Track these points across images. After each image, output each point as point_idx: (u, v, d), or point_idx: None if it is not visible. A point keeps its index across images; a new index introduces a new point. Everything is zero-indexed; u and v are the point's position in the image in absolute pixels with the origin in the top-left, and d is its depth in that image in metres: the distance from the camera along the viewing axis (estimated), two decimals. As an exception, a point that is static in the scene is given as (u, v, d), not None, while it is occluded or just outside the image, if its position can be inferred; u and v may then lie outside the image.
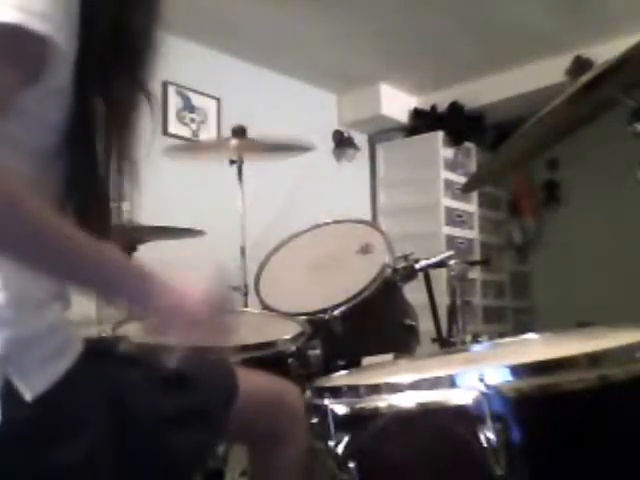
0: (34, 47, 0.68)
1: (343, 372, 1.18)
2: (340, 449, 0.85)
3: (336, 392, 0.89)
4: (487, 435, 0.74)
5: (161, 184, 2.94)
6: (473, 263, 3.87)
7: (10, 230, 0.66)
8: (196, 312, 0.82)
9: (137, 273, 0.79)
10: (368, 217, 4.41)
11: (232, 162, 2.37)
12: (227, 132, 2.35)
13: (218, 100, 3.64)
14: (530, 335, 1.22)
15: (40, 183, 0.78)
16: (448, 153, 4.39)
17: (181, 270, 0.84)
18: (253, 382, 1.00)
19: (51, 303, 0.79)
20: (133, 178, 0.88)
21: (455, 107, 4.34)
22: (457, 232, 4.35)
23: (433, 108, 4.44)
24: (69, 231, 0.72)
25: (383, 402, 0.83)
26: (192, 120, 3.54)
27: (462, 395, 0.77)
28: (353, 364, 1.60)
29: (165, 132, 3.38)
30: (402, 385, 0.83)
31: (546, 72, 3.81)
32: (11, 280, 0.73)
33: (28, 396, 0.71)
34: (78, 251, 0.72)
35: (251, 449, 1.07)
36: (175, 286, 0.82)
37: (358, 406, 0.85)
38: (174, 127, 3.44)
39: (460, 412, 0.78)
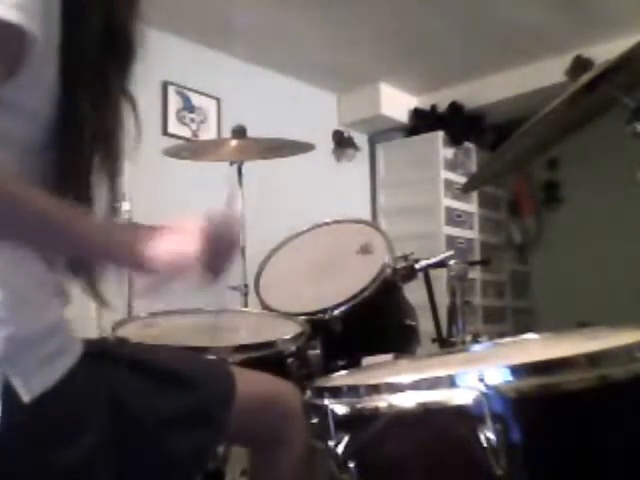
0: (11, 39, 0.67)
1: (343, 372, 1.18)
2: (340, 449, 0.84)
3: (336, 392, 0.89)
4: (487, 435, 0.74)
5: (161, 184, 2.94)
6: (473, 263, 3.88)
7: None
8: (192, 255, 0.78)
9: (124, 230, 0.80)
10: (368, 217, 4.41)
11: (232, 162, 2.37)
12: (227, 132, 2.35)
13: (218, 100, 3.64)
14: (530, 335, 1.22)
15: (26, 175, 0.78)
16: (448, 153, 4.39)
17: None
18: (251, 383, 1.00)
19: (50, 303, 0.78)
20: (116, 175, 0.87)
21: (455, 107, 4.34)
22: (457, 232, 4.35)
23: (433, 108, 4.44)
24: (53, 203, 0.72)
25: (383, 402, 0.83)
26: (192, 120, 3.54)
27: (462, 395, 0.77)
28: (353, 364, 1.59)
29: (165, 132, 3.38)
30: (402, 385, 0.83)
31: (546, 72, 3.81)
32: (9, 280, 0.73)
33: (27, 398, 0.70)
34: (64, 220, 0.72)
35: (251, 450, 1.07)
36: (168, 230, 0.80)
37: (358, 406, 0.85)
38: (174, 127, 3.44)
39: (460, 412, 0.78)
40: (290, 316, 1.62)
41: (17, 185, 0.69)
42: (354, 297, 1.67)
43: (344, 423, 0.85)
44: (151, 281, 0.79)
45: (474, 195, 4.51)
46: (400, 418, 0.83)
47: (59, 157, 0.80)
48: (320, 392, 0.91)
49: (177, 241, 0.79)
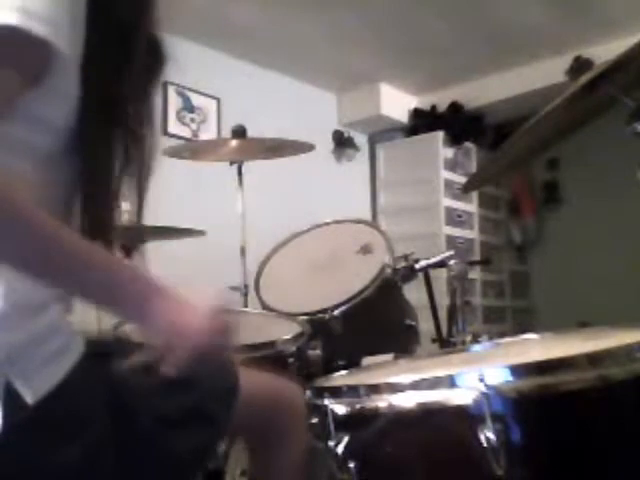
0: (33, 50, 0.67)
1: (343, 372, 1.18)
2: (340, 449, 0.85)
3: (336, 392, 0.89)
4: (487, 435, 0.74)
5: (161, 184, 2.93)
6: (473, 263, 3.88)
7: (6, 234, 0.66)
8: (200, 333, 0.80)
9: (143, 286, 0.78)
10: (368, 217, 4.41)
11: (232, 162, 2.37)
12: (227, 132, 2.35)
13: (218, 100, 3.64)
14: (530, 335, 1.22)
15: (45, 186, 0.78)
16: (448, 153, 4.39)
17: (187, 287, 0.81)
18: (254, 381, 1.00)
19: (51, 304, 0.78)
20: (144, 178, 0.88)
21: (455, 107, 4.34)
22: (457, 232, 4.35)
23: (433, 108, 4.44)
24: (68, 237, 0.71)
25: (383, 402, 0.83)
26: (192, 120, 3.54)
27: (462, 395, 0.77)
28: (353, 364, 1.60)
29: (165, 132, 3.38)
30: (402, 385, 0.83)
31: (546, 72, 3.82)
32: (9, 283, 0.73)
33: (30, 399, 0.70)
34: (77, 258, 0.72)
35: (252, 447, 1.07)
36: (181, 304, 0.80)
37: (358, 406, 0.85)
38: (174, 127, 3.44)
39: (460, 412, 0.78)
40: (290, 316, 1.62)
41: (50, 222, 0.69)
42: (354, 297, 1.67)
43: (344, 423, 0.86)
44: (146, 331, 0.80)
45: (474, 195, 4.51)
46: (400, 418, 0.83)
47: (82, 165, 0.80)
48: (320, 392, 0.91)
49: (189, 312, 0.80)
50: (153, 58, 0.88)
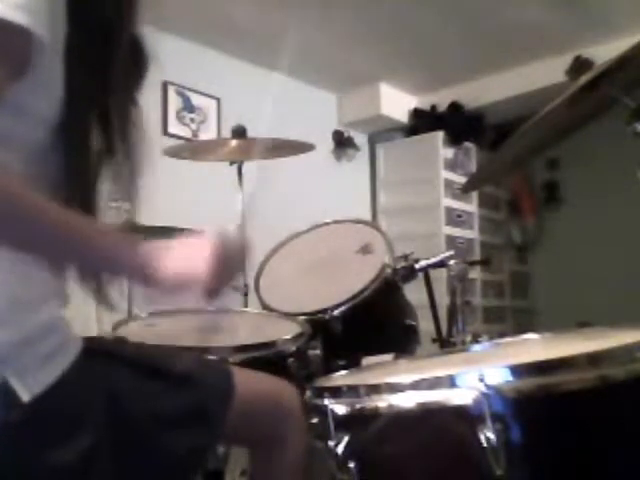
0: (16, 40, 0.67)
1: (343, 372, 1.18)
2: (340, 449, 0.85)
3: (336, 392, 0.89)
4: (487, 435, 0.74)
5: (161, 184, 2.93)
6: (473, 263, 3.87)
7: (8, 222, 0.67)
8: (199, 274, 0.79)
9: (133, 246, 0.78)
10: (368, 217, 4.41)
11: (232, 162, 2.37)
12: (227, 132, 2.35)
13: (218, 100, 3.64)
14: (530, 335, 1.22)
15: (32, 177, 0.78)
16: (448, 153, 4.39)
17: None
18: (250, 382, 1.00)
19: (47, 302, 0.78)
20: (133, 177, 0.88)
21: (455, 107, 4.34)
22: (457, 232, 4.35)
23: (433, 108, 4.44)
24: (65, 215, 0.72)
25: (383, 402, 0.83)
26: (192, 120, 3.54)
27: (462, 395, 0.77)
28: (353, 364, 1.59)
29: (165, 132, 3.38)
30: (402, 385, 0.83)
31: (546, 72, 3.82)
32: (5, 281, 0.73)
33: (26, 397, 0.70)
34: (76, 234, 0.73)
35: (250, 450, 1.07)
36: (179, 245, 0.81)
37: (358, 406, 0.85)
38: (174, 127, 3.44)
39: (460, 412, 0.78)
40: (290, 316, 1.62)
41: (33, 195, 0.69)
42: (354, 297, 1.67)
43: (344, 423, 0.86)
44: (154, 292, 0.80)
45: (474, 195, 4.51)
46: (400, 418, 0.83)
47: (65, 158, 0.80)
48: (320, 392, 0.91)
49: (187, 257, 0.80)
50: (137, 57, 0.88)
